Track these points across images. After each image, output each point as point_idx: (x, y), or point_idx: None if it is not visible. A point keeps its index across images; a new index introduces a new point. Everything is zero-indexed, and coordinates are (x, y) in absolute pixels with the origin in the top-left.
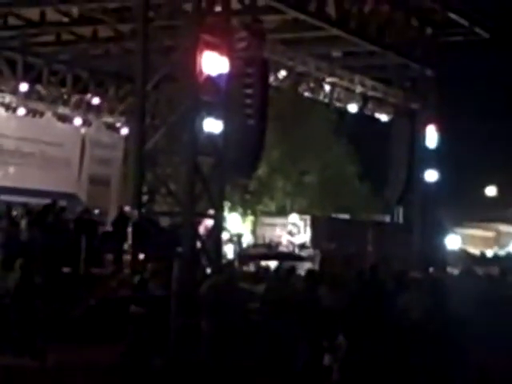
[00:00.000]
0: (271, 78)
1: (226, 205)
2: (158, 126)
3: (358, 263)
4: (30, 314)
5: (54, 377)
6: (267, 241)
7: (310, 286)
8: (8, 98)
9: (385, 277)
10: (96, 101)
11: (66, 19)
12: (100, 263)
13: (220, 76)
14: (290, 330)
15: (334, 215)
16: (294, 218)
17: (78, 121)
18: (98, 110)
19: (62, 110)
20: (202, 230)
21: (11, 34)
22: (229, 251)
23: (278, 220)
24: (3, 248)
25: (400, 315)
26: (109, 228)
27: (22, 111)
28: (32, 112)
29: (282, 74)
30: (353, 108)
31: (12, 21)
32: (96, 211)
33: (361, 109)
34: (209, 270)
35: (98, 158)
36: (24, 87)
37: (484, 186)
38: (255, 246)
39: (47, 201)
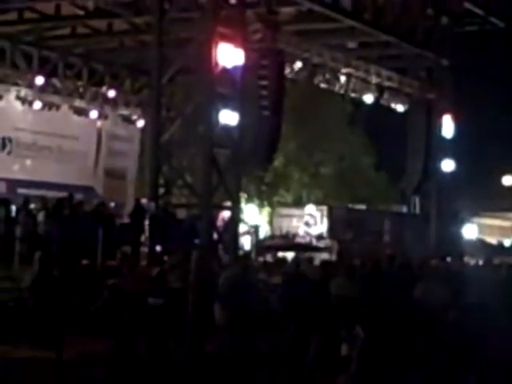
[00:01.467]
0: (286, 70)
1: (243, 196)
2: (173, 118)
3: (375, 253)
4: (48, 306)
5: (71, 369)
6: (284, 232)
7: (324, 277)
8: (24, 92)
9: (402, 267)
10: (112, 94)
11: (81, 12)
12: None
13: (235, 68)
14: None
15: (350, 206)
16: (310, 208)
17: (94, 114)
18: (113, 102)
19: (78, 103)
20: (218, 221)
21: (27, 27)
22: (246, 243)
23: (295, 211)
24: (21, 241)
25: (418, 305)
26: (126, 220)
27: (38, 105)
28: (48, 105)
29: (298, 65)
30: (368, 98)
31: (27, 14)
32: (112, 204)
33: (376, 99)
34: (226, 262)
35: (114, 151)
36: (40, 81)
37: (501, 176)
38: (272, 237)
39: (64, 194)
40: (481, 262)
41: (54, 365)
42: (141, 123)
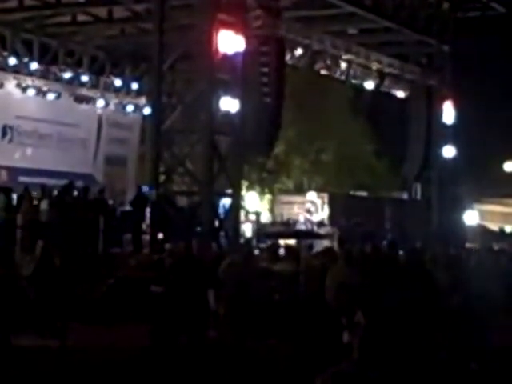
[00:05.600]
0: (287, 56)
1: (244, 183)
2: (174, 105)
3: (376, 240)
4: (50, 294)
5: (74, 356)
6: (285, 219)
7: (326, 263)
8: (24, 80)
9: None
10: (112, 81)
11: (81, 0)
12: (119, 243)
13: (236, 54)
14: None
15: (351, 193)
16: (311, 195)
17: (94, 101)
18: (114, 90)
19: (78, 90)
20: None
21: (27, 15)
22: (247, 230)
23: (296, 198)
24: (22, 229)
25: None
26: (127, 208)
27: (38, 92)
28: (48, 93)
29: (298, 51)
30: (369, 85)
31: (28, 2)
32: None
33: (377, 86)
34: (227, 249)
35: (114, 138)
36: (40, 68)
37: (502, 162)
38: (273, 224)
39: (64, 182)
40: (480, 248)
41: (58, 353)
42: (142, 110)
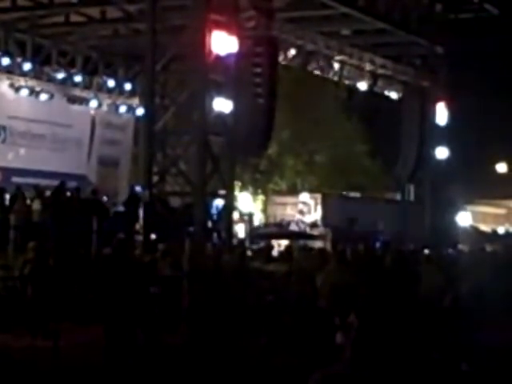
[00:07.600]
0: (280, 57)
1: (237, 184)
2: (167, 106)
3: (369, 241)
4: (44, 294)
5: (67, 357)
6: (278, 220)
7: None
8: (17, 80)
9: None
10: (106, 81)
11: (74, 0)
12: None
13: (229, 55)
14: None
15: (344, 193)
16: (304, 196)
17: (87, 102)
18: (107, 90)
19: (71, 91)
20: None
21: (20, 15)
22: (240, 230)
23: (289, 199)
24: (15, 229)
25: (414, 292)
26: (120, 209)
27: (31, 93)
28: (42, 93)
29: (292, 52)
30: (362, 86)
31: (21, 2)
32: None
33: (371, 86)
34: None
35: (107, 139)
36: (33, 68)
37: (495, 163)
38: (266, 225)
39: (57, 182)
40: (472, 249)
41: (51, 353)
42: (135, 111)
